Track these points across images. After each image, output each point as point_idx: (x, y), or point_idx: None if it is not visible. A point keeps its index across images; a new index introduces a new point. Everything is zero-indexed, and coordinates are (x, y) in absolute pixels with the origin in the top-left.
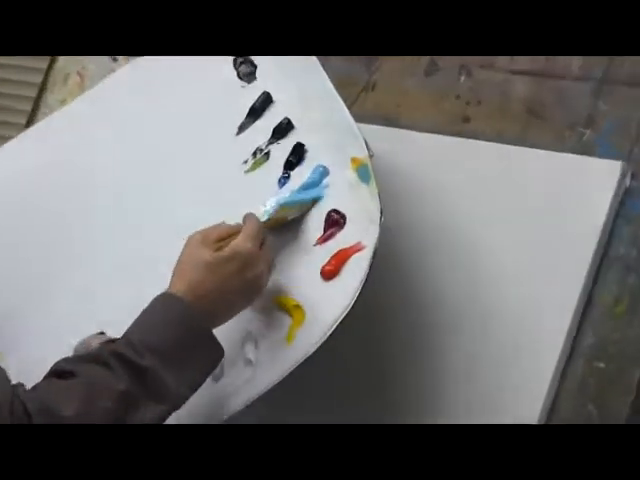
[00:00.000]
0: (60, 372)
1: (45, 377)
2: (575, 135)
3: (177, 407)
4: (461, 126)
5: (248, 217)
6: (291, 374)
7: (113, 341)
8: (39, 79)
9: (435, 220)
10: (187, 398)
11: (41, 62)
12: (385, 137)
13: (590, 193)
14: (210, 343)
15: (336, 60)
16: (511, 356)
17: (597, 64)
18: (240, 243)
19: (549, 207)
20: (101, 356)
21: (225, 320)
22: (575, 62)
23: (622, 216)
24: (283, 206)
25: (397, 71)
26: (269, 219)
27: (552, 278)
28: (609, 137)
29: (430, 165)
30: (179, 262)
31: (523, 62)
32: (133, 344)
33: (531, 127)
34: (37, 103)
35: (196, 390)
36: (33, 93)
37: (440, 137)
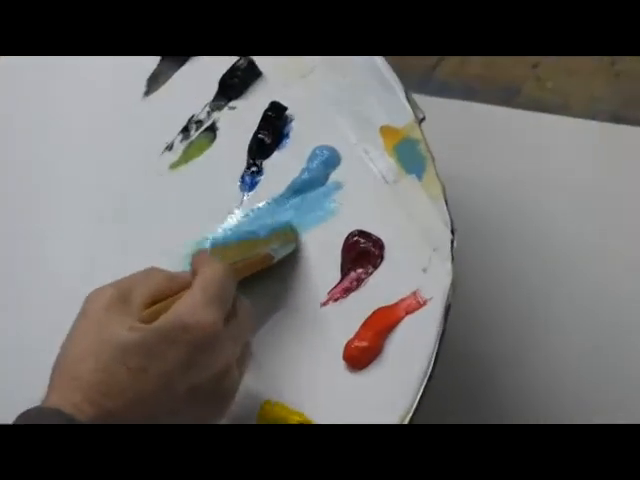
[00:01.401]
0: None
1: None
2: None
3: None
4: None
5: (201, 260)
6: None
7: None
8: None
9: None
10: None
11: None
12: (504, 124)
13: None
14: None
15: None
16: None
17: None
18: (188, 308)
19: None
20: None
21: None
22: None
23: None
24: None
25: None
26: (237, 261)
27: None
28: None
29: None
30: (68, 342)
31: None
32: None
33: None
34: None
35: None
36: None
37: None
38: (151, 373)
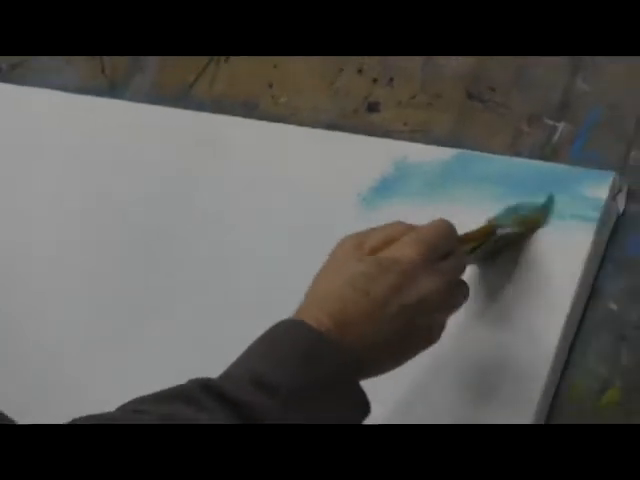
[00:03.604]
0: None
1: None
2: (539, 130)
3: None
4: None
5: (437, 220)
6: None
7: None
8: None
9: None
10: None
11: None
12: None
13: (564, 223)
14: (354, 395)
15: None
16: None
17: None
18: (399, 248)
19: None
20: (185, 391)
21: (375, 371)
22: None
23: (612, 259)
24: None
25: None
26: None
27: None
28: (592, 133)
29: None
30: (317, 277)
31: None
32: (236, 378)
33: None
34: None
35: None
36: None
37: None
38: (372, 294)
